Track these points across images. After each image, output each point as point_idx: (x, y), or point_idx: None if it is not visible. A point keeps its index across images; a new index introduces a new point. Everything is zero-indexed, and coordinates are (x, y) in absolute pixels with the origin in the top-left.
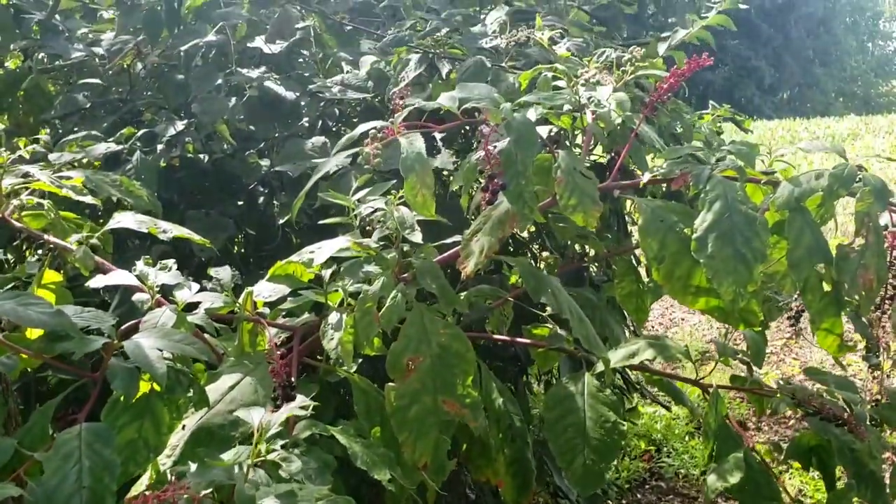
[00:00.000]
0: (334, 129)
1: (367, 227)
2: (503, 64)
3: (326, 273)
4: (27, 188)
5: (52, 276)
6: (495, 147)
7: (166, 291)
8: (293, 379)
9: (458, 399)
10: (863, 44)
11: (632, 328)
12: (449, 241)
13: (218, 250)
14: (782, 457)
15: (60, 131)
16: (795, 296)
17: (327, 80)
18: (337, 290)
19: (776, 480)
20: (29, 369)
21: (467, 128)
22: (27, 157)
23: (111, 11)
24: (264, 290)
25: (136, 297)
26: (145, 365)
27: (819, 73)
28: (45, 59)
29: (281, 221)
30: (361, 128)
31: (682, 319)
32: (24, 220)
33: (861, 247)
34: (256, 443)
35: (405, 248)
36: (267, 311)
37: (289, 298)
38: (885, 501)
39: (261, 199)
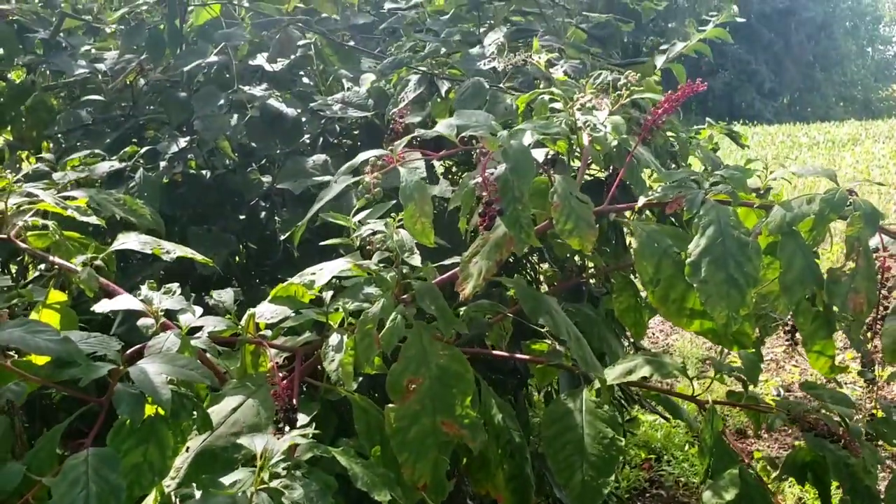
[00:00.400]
0: (335, 142)
1: (368, 247)
2: (501, 85)
3: (327, 294)
4: (32, 208)
5: (57, 295)
6: (492, 174)
7: (170, 312)
8: (294, 400)
9: (457, 420)
10: (863, 48)
11: (631, 339)
12: (448, 262)
13: (220, 265)
14: (778, 472)
15: (63, 145)
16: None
17: (328, 97)
18: (338, 310)
19: (776, 490)
20: None
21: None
22: (31, 173)
23: (114, 26)
24: (266, 312)
25: (141, 322)
26: (150, 391)
27: (819, 78)
28: (49, 75)
29: (282, 237)
30: (362, 156)
31: None
32: (28, 240)
33: (851, 270)
34: (259, 470)
35: (405, 270)
36: (269, 332)
37: (290, 316)
38: None
39: (262, 214)
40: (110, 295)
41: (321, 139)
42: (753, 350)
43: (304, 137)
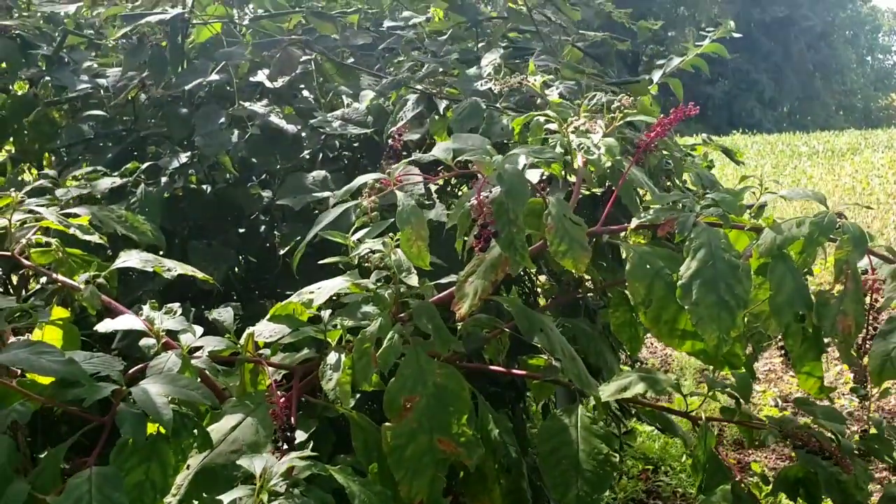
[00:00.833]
0: (334, 157)
1: (366, 264)
2: (498, 104)
3: (326, 312)
4: (35, 224)
5: (59, 312)
6: (487, 196)
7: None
8: (293, 418)
9: (453, 438)
10: (862, 57)
11: (627, 353)
12: (445, 281)
13: (220, 279)
14: (770, 488)
15: (65, 158)
16: None
17: (328, 114)
18: (336, 328)
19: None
20: None
21: None
22: (34, 188)
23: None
24: (265, 331)
25: (143, 342)
26: (152, 411)
27: (819, 87)
28: (52, 88)
29: (282, 252)
30: (360, 179)
31: None
32: (32, 257)
33: (840, 293)
34: (259, 490)
35: (402, 289)
36: (267, 351)
37: (289, 333)
38: None
39: (262, 228)
40: (112, 312)
41: (321, 154)
42: (745, 369)
43: (304, 153)
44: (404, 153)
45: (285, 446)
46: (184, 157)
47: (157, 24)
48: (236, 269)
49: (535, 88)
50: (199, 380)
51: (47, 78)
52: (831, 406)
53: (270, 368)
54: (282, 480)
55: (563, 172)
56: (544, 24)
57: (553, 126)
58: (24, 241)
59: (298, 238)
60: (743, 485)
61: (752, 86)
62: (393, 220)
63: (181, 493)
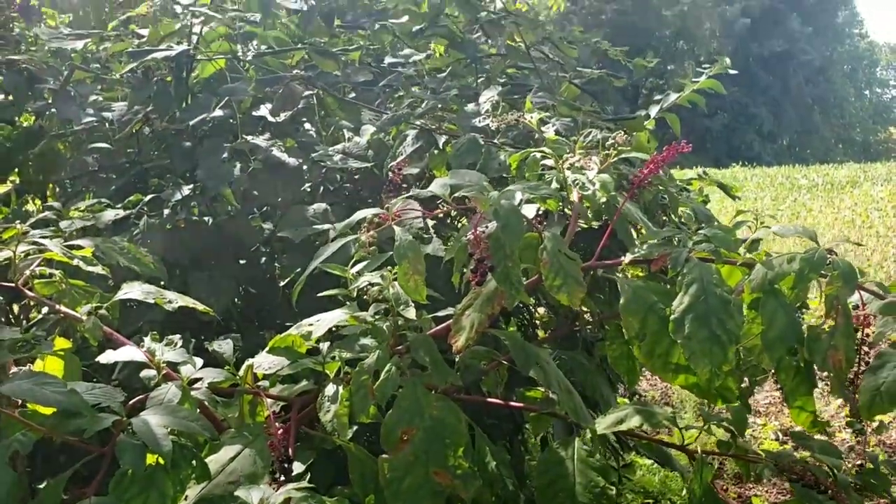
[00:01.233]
0: (334, 189)
1: (364, 297)
2: (496, 140)
3: (324, 345)
4: (39, 256)
5: (61, 342)
6: (484, 231)
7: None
8: (290, 450)
9: (450, 470)
10: (861, 91)
11: (625, 383)
12: (442, 313)
13: (221, 310)
14: None
15: (70, 190)
16: None
17: (330, 147)
18: (334, 359)
19: None
20: None
21: None
22: (38, 220)
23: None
24: (264, 363)
25: (144, 373)
26: (152, 443)
27: (818, 120)
28: (57, 121)
29: (282, 283)
30: (359, 214)
31: None
32: (35, 288)
33: (831, 328)
34: None
35: (400, 322)
36: (266, 383)
37: (287, 365)
38: None
39: (263, 260)
40: (114, 343)
41: (322, 187)
42: (739, 403)
43: (306, 185)
44: (404, 186)
45: (283, 477)
46: (186, 190)
47: (163, 59)
48: (236, 301)
49: (532, 125)
50: (198, 411)
51: (53, 110)
52: (828, 440)
53: (269, 400)
54: None
55: (559, 206)
56: (542, 61)
57: (549, 162)
58: (27, 272)
59: (298, 270)
60: None
61: (750, 119)
62: (391, 253)
63: None
